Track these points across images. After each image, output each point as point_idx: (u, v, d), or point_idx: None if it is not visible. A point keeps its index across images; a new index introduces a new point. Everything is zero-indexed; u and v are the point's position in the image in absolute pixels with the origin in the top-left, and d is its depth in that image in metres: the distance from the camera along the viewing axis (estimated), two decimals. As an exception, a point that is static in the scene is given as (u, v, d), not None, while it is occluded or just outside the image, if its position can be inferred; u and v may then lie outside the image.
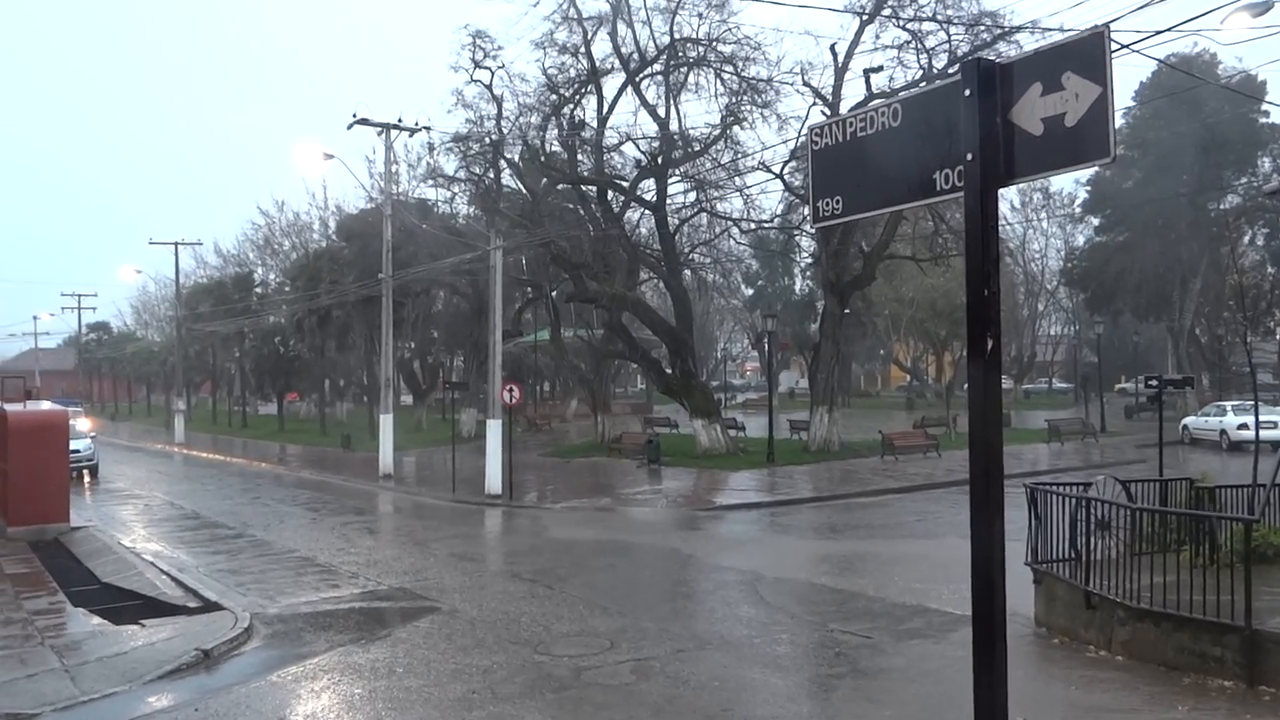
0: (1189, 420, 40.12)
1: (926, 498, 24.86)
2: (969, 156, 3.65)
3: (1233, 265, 53.16)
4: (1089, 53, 3.43)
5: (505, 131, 34.93)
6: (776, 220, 43.91)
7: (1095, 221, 59.23)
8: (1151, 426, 32.25)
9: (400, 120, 33.05)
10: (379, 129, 33.11)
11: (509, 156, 37.00)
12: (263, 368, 63.24)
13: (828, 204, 4.33)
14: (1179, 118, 46.05)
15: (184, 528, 22.37)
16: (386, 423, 33.15)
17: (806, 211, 39.11)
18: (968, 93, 3.65)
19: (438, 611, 13.11)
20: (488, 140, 34.96)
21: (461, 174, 37.69)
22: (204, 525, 22.70)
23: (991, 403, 3.60)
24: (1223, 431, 36.88)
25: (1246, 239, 55.15)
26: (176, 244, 59.06)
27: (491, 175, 36.50)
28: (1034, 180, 3.72)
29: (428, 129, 33.81)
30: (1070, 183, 66.21)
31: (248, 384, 71.67)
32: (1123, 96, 50.05)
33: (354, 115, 32.24)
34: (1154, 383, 22.36)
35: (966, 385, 3.80)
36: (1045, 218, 64.87)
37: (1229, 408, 38.06)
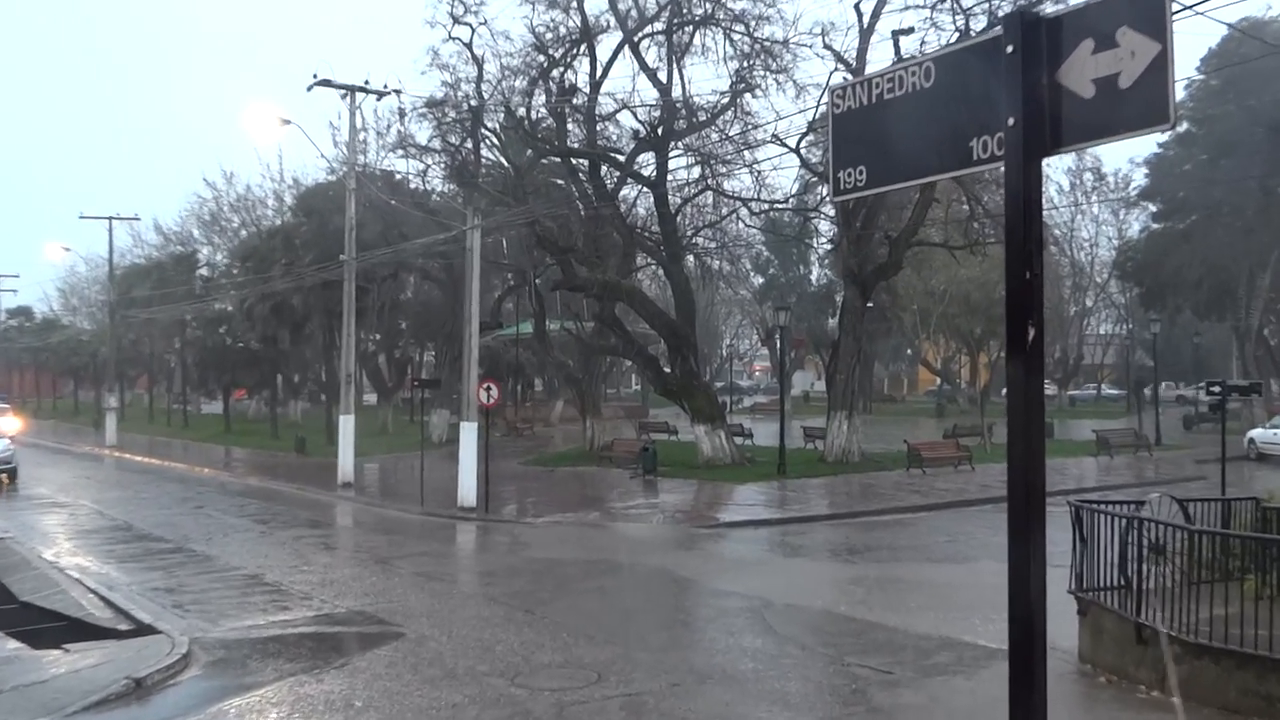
0: (1255, 433, 40.20)
1: (958, 517, 24.87)
2: (1010, 122, 3.63)
3: (1307, 258, 53.46)
4: (1147, 4, 3.41)
5: (486, 96, 34.91)
6: (791, 201, 43.94)
7: (1153, 207, 59.26)
8: (1213, 439, 32.31)
9: (367, 82, 33.02)
10: (343, 91, 33.05)
11: (490, 125, 36.96)
12: (207, 361, 63.09)
13: (850, 175, 4.32)
14: (1249, 90, 46.03)
15: (115, 540, 22.31)
16: (347, 424, 33.11)
17: (824, 190, 39.22)
18: (1009, 49, 3.63)
19: (402, 638, 13.09)
20: (466, 106, 34.93)
21: (436, 144, 37.65)
22: (137, 538, 22.64)
23: (1033, 401, 3.58)
24: (1293, 445, 37.03)
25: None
26: (111, 219, 58.95)
27: (470, 146, 36.43)
28: (1083, 149, 3.72)
29: (398, 92, 33.80)
30: (1125, 163, 66.39)
31: (189, 379, 71.51)
32: (1186, 65, 50.10)
33: (314, 76, 32.19)
34: (1216, 389, 22.49)
35: (1006, 389, 3.79)
36: (1096, 201, 64.85)
37: (1301, 419, 38.21)
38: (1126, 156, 65.48)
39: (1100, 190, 65.15)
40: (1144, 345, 67.92)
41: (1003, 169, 3.67)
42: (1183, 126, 51.29)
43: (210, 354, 61.69)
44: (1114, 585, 11.44)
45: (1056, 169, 59.91)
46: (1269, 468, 35.75)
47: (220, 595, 16.06)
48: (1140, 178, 60.23)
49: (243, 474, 38.43)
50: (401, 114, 36.95)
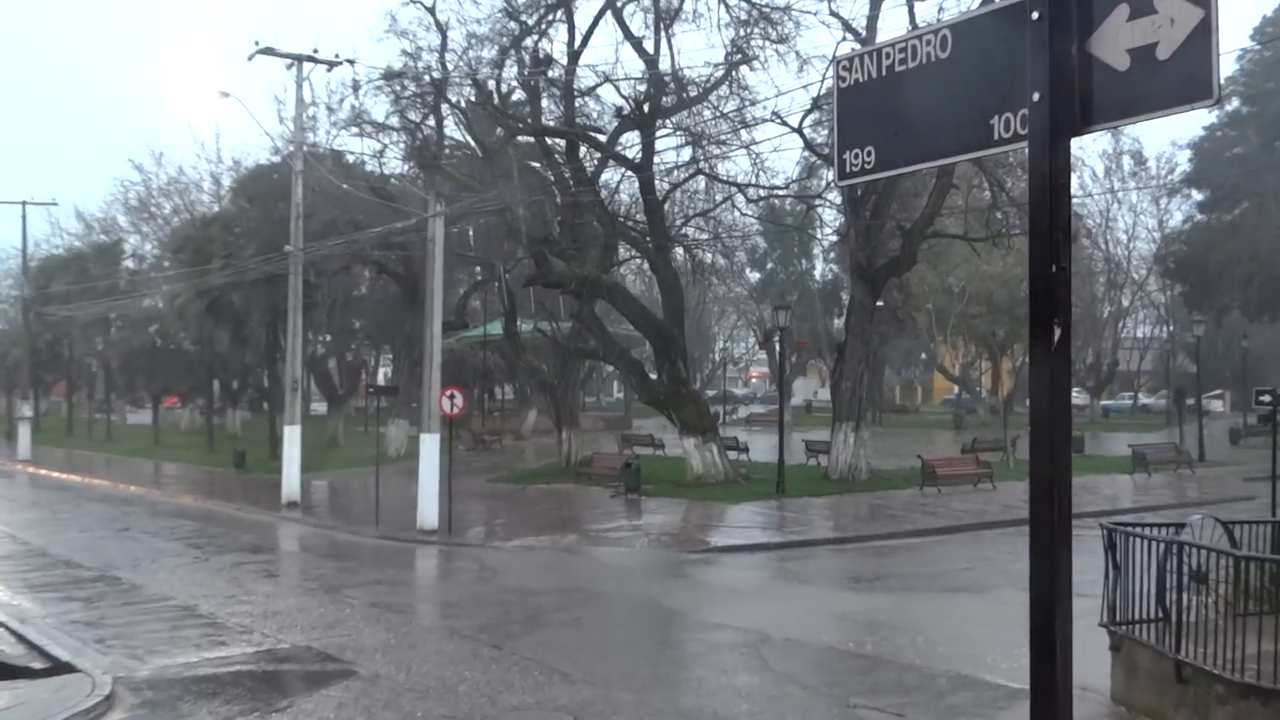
0: (1309, 447, 40.38)
1: (977, 540, 24.94)
2: (1035, 97, 3.64)
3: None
4: (1189, -35, 3.43)
5: (450, 68, 34.95)
6: (793, 186, 44.04)
7: (1198, 195, 59.58)
8: (1263, 454, 32.47)
9: (316, 51, 33.01)
10: (288, 61, 33.01)
11: (454, 100, 36.95)
12: (134, 364, 62.91)
13: (856, 157, 4.33)
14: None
15: (28, 567, 22.17)
16: (293, 436, 33.02)
17: (829, 174, 39.31)
18: (1035, 16, 3.65)
19: (354, 676, 13.06)
20: (428, 79, 34.95)
21: (394, 121, 37.69)
22: (54, 564, 22.51)
23: (1059, 408, 3.60)
24: (1352, 462, 37.15)
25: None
26: (24, 203, 58.81)
27: (432, 123, 36.49)
28: (1117, 127, 3.73)
29: (351, 63, 33.81)
30: (1168, 145, 66.67)
31: (114, 385, 71.27)
32: (1238, 35, 50.26)
33: (256, 44, 32.19)
34: (1265, 399, 22.61)
35: (1029, 396, 3.80)
36: (1135, 188, 65.18)
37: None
38: (1169, 138, 65.66)
39: (1140, 176, 65.45)
40: (1186, 349, 68.25)
41: (1027, 150, 3.69)
42: (1232, 104, 51.61)
43: (138, 356, 61.49)
44: (1151, 617, 11.47)
45: (1090, 152, 60.24)
46: (1324, 487, 35.94)
47: (148, 629, 15.98)
48: (1185, 162, 60.57)
49: (175, 492, 38.27)
50: (356, 87, 36.83)
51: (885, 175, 4.44)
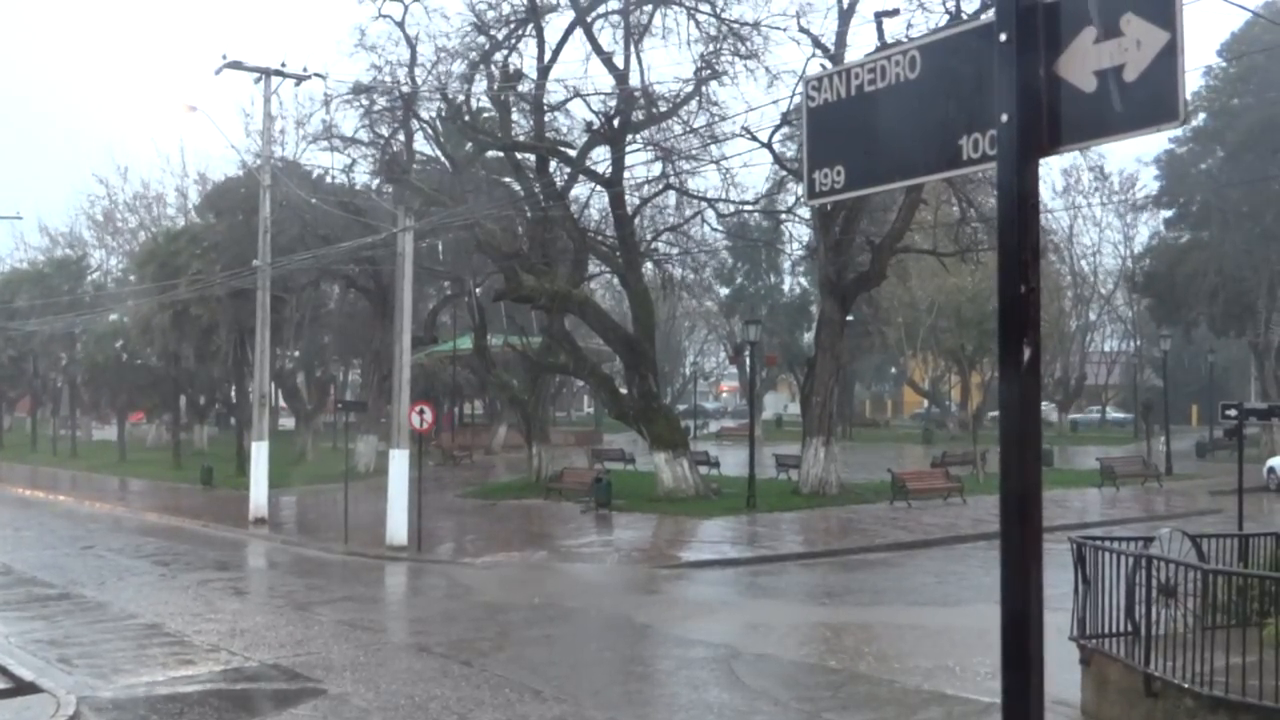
0: (1276, 461, 40.79)
1: (948, 555, 25.04)
2: (1004, 118, 3.67)
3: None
4: (1154, -12, 3.47)
5: (420, 82, 34.92)
6: (762, 202, 44.20)
7: (1164, 212, 60.12)
8: (1229, 468, 32.76)
9: (284, 65, 32.91)
10: (256, 75, 32.92)
11: (424, 114, 36.92)
12: (99, 380, 62.39)
13: (826, 176, 4.36)
14: (1274, 81, 46.77)
15: (-8, 585, 21.98)
16: (260, 452, 32.84)
17: (798, 190, 39.48)
18: (1003, 38, 3.67)
19: (323, 695, 12.98)
20: (397, 93, 34.91)
21: (363, 135, 37.61)
22: (17, 582, 22.28)
23: (1028, 428, 3.62)
24: (1318, 476, 37.62)
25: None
26: (-11, 218, 58.25)
27: (401, 138, 36.45)
28: (1085, 148, 3.77)
29: (321, 76, 33.73)
30: (1132, 161, 67.27)
31: (79, 401, 70.67)
32: (1204, 51, 50.78)
33: (224, 57, 32.11)
34: (1232, 413, 22.81)
35: (998, 411, 3.83)
36: (1099, 205, 65.71)
37: (1325, 447, 38.82)
38: (1133, 155, 66.22)
39: (1102, 191, 65.99)
40: (1153, 364, 68.84)
41: (996, 170, 3.73)
42: (1198, 119, 52.08)
43: (103, 372, 60.98)
44: (1120, 631, 11.55)
45: (1051, 167, 60.69)
46: (1290, 500, 36.30)
47: (114, 648, 15.84)
48: (1149, 178, 61.15)
49: (140, 508, 37.98)
50: (326, 101, 36.74)
51: (855, 194, 4.48)
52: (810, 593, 20.92)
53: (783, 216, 44.36)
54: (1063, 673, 11.17)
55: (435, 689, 13.19)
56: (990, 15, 3.81)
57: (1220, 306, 54.27)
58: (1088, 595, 11.84)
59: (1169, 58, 3.41)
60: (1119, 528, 24.68)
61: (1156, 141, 57.55)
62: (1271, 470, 40.06)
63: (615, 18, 34.93)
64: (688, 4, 33.75)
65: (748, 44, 33.48)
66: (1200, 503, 34.32)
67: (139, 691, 13.31)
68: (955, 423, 70.27)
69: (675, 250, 42.18)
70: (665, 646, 16.09)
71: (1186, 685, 10.30)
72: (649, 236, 40.04)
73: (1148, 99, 3.48)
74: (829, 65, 32.61)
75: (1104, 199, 65.77)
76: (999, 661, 3.74)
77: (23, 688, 13.11)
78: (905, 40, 30.47)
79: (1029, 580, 3.67)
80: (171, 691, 13.28)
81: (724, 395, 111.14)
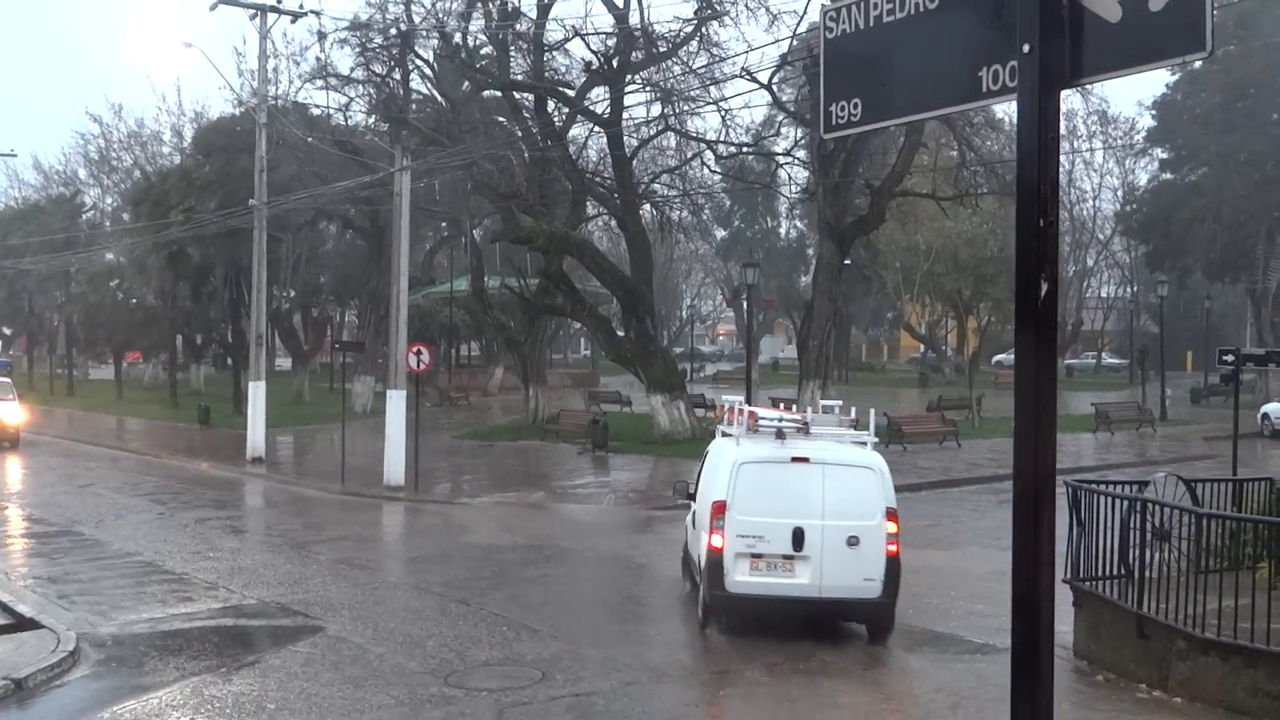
0: (1270, 407, 40.91)
1: (941, 498, 25.11)
2: (1025, 48, 3.60)
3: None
4: (1181, -89, 3.39)
5: (417, 20, 34.52)
6: (763, 143, 43.88)
7: (1162, 155, 59.82)
8: (1224, 414, 32.87)
9: (280, 2, 32.50)
10: (251, 10, 32.55)
11: (421, 53, 36.56)
12: (95, 319, 62.16)
13: (843, 109, 4.29)
14: (1271, 25, 46.38)
15: (-10, 522, 22.02)
16: (257, 392, 32.82)
17: (796, 132, 39.21)
18: (1026, -34, 3.60)
19: (321, 632, 13.04)
20: (394, 31, 34.51)
21: (359, 73, 37.18)
22: (17, 520, 22.34)
23: (1045, 366, 3.58)
24: (1312, 422, 37.76)
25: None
26: (-18, 154, 57.81)
27: (398, 76, 36.03)
28: (1109, 79, 3.69)
29: (316, 13, 33.39)
30: (1132, 105, 66.70)
31: (75, 340, 70.47)
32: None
33: (219, -9, 31.64)
34: (1229, 359, 22.84)
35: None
36: (1099, 148, 65.32)
37: (1320, 393, 38.92)
38: (1133, 99, 65.69)
39: (1105, 135, 65.58)
40: (1150, 310, 68.82)
41: (1016, 102, 3.66)
42: (1196, 63, 51.69)
43: (99, 311, 60.76)
44: (1114, 574, 11.61)
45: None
46: (1283, 445, 36.44)
47: (113, 585, 15.89)
48: (1148, 122, 60.75)
49: (138, 448, 38.01)
50: (321, 38, 36.29)
51: (872, 128, 4.41)
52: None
53: (781, 159, 44.06)
54: (1056, 614, 11.20)
55: (433, 627, 13.25)
56: (1013, -55, 3.72)
57: (1217, 252, 54.20)
58: (1081, 538, 11.91)
59: (1197, -17, 3.35)
60: (1113, 472, 24.78)
61: (1154, 86, 57.21)
62: (1266, 416, 40.20)
63: (616, -45, 34.51)
64: (689, -58, 33.35)
65: (750, -17, 33.07)
66: (1194, 448, 34.44)
67: (138, 628, 13.36)
68: (951, 367, 70.32)
69: (673, 192, 41.96)
70: (661, 585, 16.16)
71: (1179, 627, 10.37)
72: (647, 178, 39.83)
73: (1173, 28, 3.41)
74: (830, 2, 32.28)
75: (1105, 142, 65.35)
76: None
77: (23, 624, 13.15)
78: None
79: (1040, 525, 3.65)
80: (171, 628, 13.33)
81: (721, 338, 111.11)
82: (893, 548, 12.40)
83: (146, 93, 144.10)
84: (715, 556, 12.54)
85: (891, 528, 12.43)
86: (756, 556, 12.46)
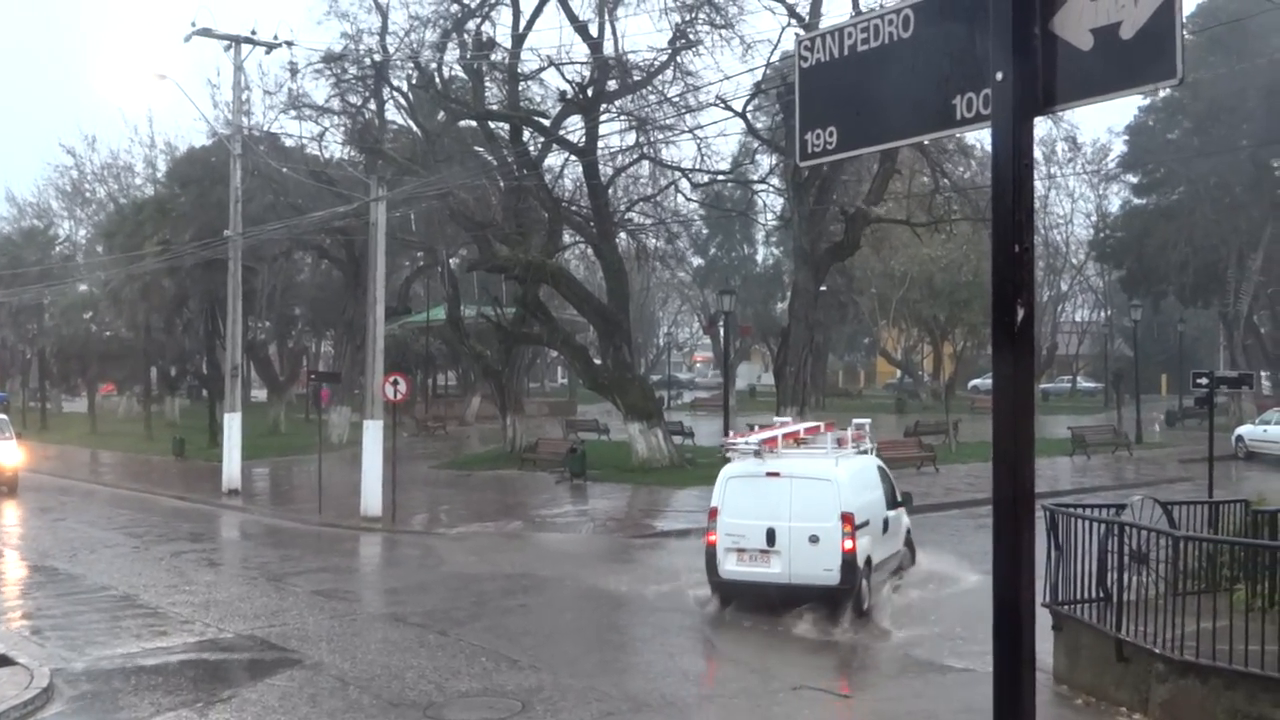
0: (1244, 430, 41.18)
1: (920, 524, 24.98)
2: (999, 76, 3.63)
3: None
4: (1151, -57, 3.43)
5: (392, 50, 34.61)
6: (736, 171, 44.08)
7: (1134, 180, 60.34)
8: (1199, 437, 33.04)
9: (254, 32, 32.53)
10: (226, 43, 32.55)
11: (396, 83, 36.62)
12: (68, 351, 61.82)
13: (818, 137, 4.31)
14: (1241, 50, 46.86)
15: (-38, 558, 21.82)
16: (233, 424, 32.65)
17: (771, 160, 39.40)
18: (999, -5, 3.64)
19: (299, 665, 12.95)
20: (369, 61, 34.58)
21: (334, 104, 37.22)
22: (-11, 555, 22.16)
23: (1023, 390, 3.60)
24: (1286, 444, 37.95)
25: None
26: (-45, 187, 57.50)
27: (373, 107, 36.14)
28: (1081, 106, 3.72)
29: (290, 44, 33.33)
30: (1104, 132, 67.30)
31: (48, 373, 70.06)
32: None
33: (193, 24, 31.65)
34: (1203, 381, 23.00)
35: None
36: (1072, 174, 65.86)
37: (1294, 415, 39.18)
38: (1105, 125, 66.46)
39: (1076, 162, 66.18)
40: (1124, 333, 69.24)
41: (990, 130, 3.68)
42: (1166, 90, 52.23)
43: (72, 344, 60.46)
44: (1092, 598, 11.65)
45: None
46: (1259, 468, 36.63)
47: (87, 620, 15.74)
48: (1120, 148, 61.33)
49: (112, 481, 37.76)
50: (294, 70, 36.37)
51: (847, 155, 4.43)
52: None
53: (757, 186, 44.26)
54: (1036, 638, 11.23)
55: (411, 659, 13.18)
56: (984, -27, 3.76)
57: (1190, 277, 54.66)
58: (1060, 562, 11.94)
59: (1167, 14, 3.38)
60: (1090, 495, 24.89)
61: (1127, 112, 57.77)
62: (1239, 438, 40.46)
63: (590, -15, 34.70)
64: (662, -28, 33.54)
65: (723, 13, 33.30)
66: (1170, 471, 34.58)
67: (113, 663, 13.23)
68: (928, 392, 70.55)
69: (649, 220, 42.08)
70: (641, 615, 16.12)
71: (1157, 650, 10.40)
72: (623, 206, 39.92)
73: (1145, 56, 3.45)
74: (802, 34, 32.49)
75: (1077, 169, 65.92)
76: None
77: (-5, 660, 13.01)
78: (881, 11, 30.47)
79: (1020, 548, 3.66)
80: (146, 663, 13.22)
81: (698, 366, 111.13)
82: (849, 544, 14.91)
83: (120, 124, 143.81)
84: (711, 549, 15.88)
85: (846, 529, 14.91)
86: (741, 550, 15.57)
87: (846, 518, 14.96)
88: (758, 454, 15.84)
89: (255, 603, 16.86)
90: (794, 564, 15.06)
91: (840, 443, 17.32)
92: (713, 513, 16.15)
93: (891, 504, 17.74)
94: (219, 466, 32.99)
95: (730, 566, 15.58)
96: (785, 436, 17.58)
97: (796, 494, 15.41)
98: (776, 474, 15.66)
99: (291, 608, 16.46)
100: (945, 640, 13.67)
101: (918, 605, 15.96)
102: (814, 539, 14.97)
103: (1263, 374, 56.21)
